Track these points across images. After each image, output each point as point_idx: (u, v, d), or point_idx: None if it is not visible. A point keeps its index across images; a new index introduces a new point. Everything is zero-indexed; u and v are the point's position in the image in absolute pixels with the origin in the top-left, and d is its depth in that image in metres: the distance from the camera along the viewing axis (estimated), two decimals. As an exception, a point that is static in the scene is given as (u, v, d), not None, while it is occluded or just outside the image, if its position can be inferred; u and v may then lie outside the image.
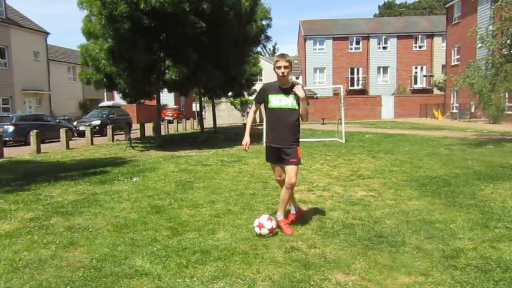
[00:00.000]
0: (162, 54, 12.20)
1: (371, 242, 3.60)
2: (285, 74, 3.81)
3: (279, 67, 3.81)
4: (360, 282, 2.84)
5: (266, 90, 3.97)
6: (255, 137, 15.88)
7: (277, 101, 3.89)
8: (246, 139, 4.04)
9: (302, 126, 4.31)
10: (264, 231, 3.76)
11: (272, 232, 3.79)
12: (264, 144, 3.95)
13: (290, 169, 3.89)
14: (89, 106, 37.32)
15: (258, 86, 25.86)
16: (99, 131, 20.65)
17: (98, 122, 21.55)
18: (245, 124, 23.58)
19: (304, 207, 4.89)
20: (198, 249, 3.49)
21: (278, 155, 3.96)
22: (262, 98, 4.00)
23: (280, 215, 4.01)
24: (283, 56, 3.87)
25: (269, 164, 4.21)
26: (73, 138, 17.95)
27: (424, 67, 38.72)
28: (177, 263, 3.21)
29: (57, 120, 20.26)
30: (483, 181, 6.09)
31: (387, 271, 3.00)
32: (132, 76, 12.20)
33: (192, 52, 11.79)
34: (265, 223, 3.77)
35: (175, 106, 38.95)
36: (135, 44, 11.15)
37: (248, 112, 34.35)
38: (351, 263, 3.16)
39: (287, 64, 3.80)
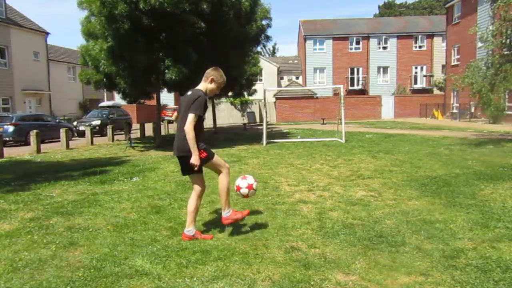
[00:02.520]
0: (162, 54, 12.20)
1: (371, 242, 3.60)
2: None
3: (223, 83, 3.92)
4: (360, 282, 2.84)
5: (206, 100, 3.76)
6: (255, 137, 15.88)
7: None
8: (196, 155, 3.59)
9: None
10: (244, 191, 3.88)
11: (252, 188, 3.90)
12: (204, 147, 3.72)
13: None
14: (89, 106, 37.30)
15: (258, 86, 25.94)
16: (99, 131, 20.65)
17: (98, 122, 21.56)
18: (245, 124, 23.30)
19: (304, 207, 4.90)
20: (198, 249, 3.49)
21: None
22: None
23: (229, 211, 3.85)
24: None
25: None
26: (73, 138, 17.95)
27: (424, 67, 38.70)
28: (177, 263, 3.21)
29: (57, 120, 20.26)
30: (483, 181, 6.09)
31: (387, 271, 3.00)
32: (132, 76, 12.20)
33: (192, 52, 11.80)
34: (240, 183, 3.91)
35: (175, 106, 38.88)
36: (135, 44, 11.15)
37: (246, 112, 34.32)
38: (351, 263, 3.16)
39: None
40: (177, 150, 3.79)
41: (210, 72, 3.85)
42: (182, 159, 3.76)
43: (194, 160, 3.57)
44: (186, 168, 3.74)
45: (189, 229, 3.79)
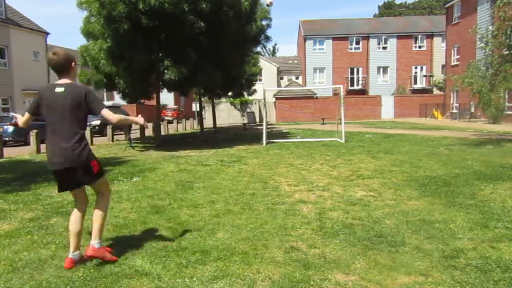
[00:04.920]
0: (161, 54, 12.19)
1: (371, 242, 3.60)
2: None
3: None
4: (360, 282, 2.84)
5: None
6: (255, 137, 15.88)
7: None
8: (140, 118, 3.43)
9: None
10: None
11: None
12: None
13: None
14: (89, 106, 37.26)
15: (258, 86, 25.97)
16: (99, 131, 20.65)
17: (98, 122, 21.55)
18: (245, 124, 23.45)
19: (304, 207, 4.90)
20: (198, 249, 3.49)
21: None
22: None
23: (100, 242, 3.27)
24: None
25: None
26: (73, 138, 17.91)
27: (424, 67, 38.69)
28: (177, 263, 3.21)
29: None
30: (483, 181, 6.10)
31: (387, 271, 3.00)
32: (132, 76, 12.19)
33: (191, 52, 11.79)
34: None
35: (175, 106, 38.96)
36: (134, 44, 11.15)
37: (246, 112, 34.32)
38: (351, 263, 3.16)
39: None
40: (67, 161, 3.13)
41: (67, 59, 3.18)
42: (72, 170, 3.18)
43: (141, 120, 3.40)
44: (77, 179, 3.24)
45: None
